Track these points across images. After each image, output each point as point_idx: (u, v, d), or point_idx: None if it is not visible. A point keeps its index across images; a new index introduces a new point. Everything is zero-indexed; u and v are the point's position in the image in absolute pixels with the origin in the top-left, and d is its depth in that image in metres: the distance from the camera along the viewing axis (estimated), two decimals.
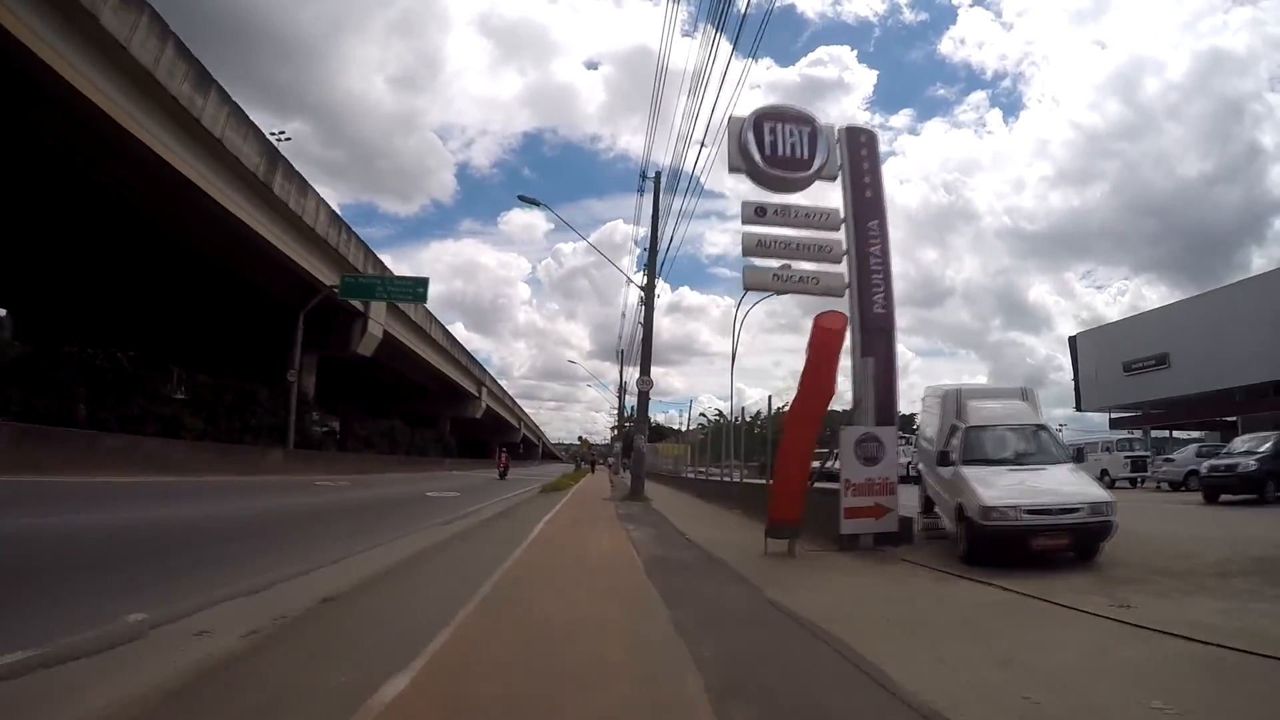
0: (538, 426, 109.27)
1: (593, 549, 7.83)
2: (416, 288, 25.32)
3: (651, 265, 21.29)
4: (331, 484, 19.60)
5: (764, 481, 11.06)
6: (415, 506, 14.15)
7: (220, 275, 25.75)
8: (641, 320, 21.25)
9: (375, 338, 31.36)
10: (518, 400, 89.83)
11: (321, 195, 25.79)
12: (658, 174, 22.28)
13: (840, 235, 8.94)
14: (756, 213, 8.94)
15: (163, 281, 26.93)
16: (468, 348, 55.10)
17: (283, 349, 27.49)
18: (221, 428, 23.64)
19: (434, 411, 53.25)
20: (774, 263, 9.26)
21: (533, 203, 21.63)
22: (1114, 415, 44.52)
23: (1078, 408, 47.46)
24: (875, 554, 7.33)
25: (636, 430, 19.87)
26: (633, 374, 32.55)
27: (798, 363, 8.00)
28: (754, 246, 8.89)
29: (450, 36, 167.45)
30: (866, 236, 8.72)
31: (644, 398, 19.94)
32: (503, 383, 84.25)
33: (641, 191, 24.46)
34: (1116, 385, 41.27)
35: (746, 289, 10.88)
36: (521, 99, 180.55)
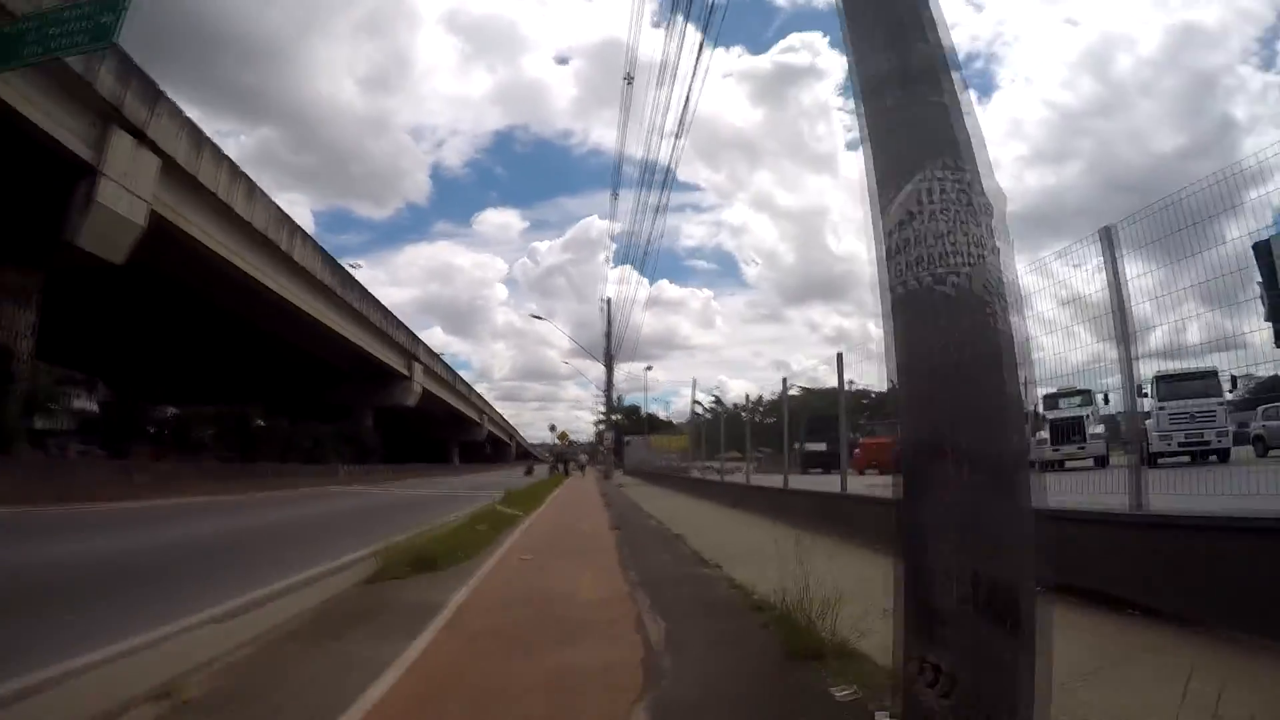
0: (509, 423, 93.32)
1: None
2: (99, 15, 9.77)
3: None
4: None
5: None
6: None
7: None
8: None
9: (126, 225, 15.60)
10: (492, 400, 74.38)
11: None
12: None
13: None
14: None
15: None
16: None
17: None
18: None
19: (352, 400, 37.35)
20: None
21: None
22: None
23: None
24: None
25: None
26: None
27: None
28: None
29: (419, 35, 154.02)
30: None
31: None
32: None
33: None
34: None
35: None
36: (492, 96, 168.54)
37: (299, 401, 35.22)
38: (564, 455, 44.99)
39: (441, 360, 44.89)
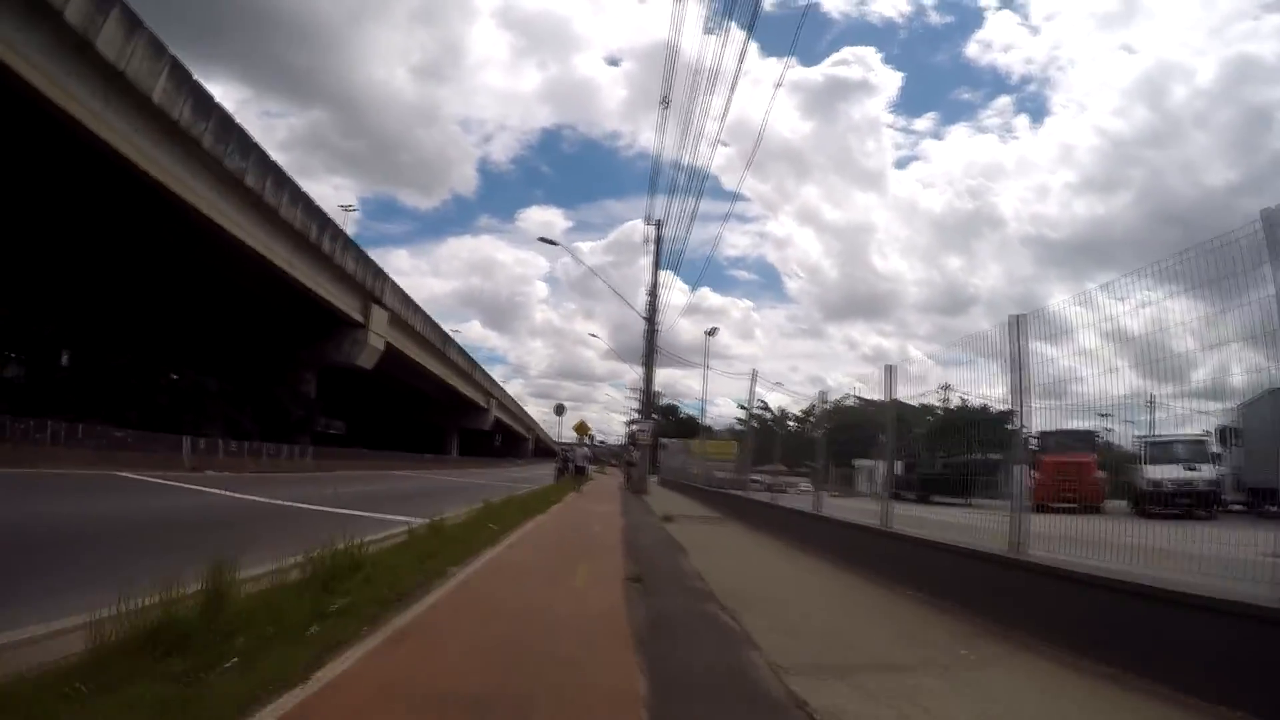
0: (527, 414, 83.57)
1: None
2: None
3: None
4: None
5: None
6: None
7: None
8: None
9: None
10: (526, 398, 64.53)
11: None
12: None
13: None
14: None
15: None
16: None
17: None
18: None
19: (301, 358, 27.93)
20: None
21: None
22: None
23: None
24: None
25: None
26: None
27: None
28: None
29: (473, 27, 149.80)
30: None
31: None
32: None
33: None
34: None
35: None
36: (541, 94, 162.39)
37: (197, 349, 25.93)
38: (580, 454, 32.33)
39: (423, 313, 34.87)
